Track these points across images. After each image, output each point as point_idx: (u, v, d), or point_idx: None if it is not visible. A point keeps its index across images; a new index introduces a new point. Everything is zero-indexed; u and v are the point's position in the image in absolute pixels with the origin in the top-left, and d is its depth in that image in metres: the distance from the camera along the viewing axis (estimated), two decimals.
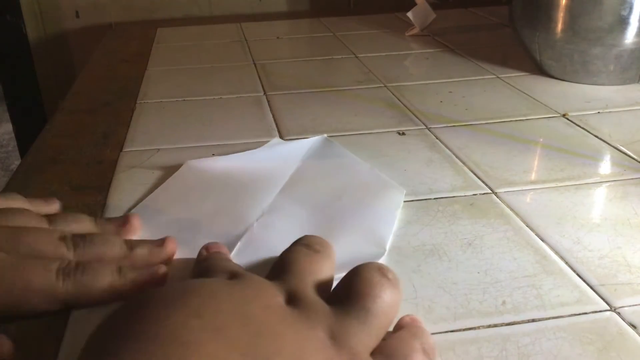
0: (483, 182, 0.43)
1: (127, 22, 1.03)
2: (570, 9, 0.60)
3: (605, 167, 0.46)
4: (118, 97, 0.63)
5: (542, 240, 0.36)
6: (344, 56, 0.77)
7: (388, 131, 0.52)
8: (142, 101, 0.61)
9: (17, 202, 0.34)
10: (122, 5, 1.04)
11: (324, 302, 0.24)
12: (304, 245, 0.28)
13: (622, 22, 0.58)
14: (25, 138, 1.04)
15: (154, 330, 0.20)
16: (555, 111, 0.56)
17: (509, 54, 0.74)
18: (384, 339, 0.24)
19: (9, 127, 1.08)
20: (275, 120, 0.55)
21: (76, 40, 1.04)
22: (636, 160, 0.46)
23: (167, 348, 0.19)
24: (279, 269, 0.27)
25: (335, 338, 0.22)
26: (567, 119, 0.55)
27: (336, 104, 0.60)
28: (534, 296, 0.31)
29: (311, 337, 0.22)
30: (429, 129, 0.53)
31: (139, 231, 0.36)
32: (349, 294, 0.24)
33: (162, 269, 0.31)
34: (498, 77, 0.67)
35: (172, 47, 0.84)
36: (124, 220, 0.35)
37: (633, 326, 0.29)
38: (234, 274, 0.27)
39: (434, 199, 0.41)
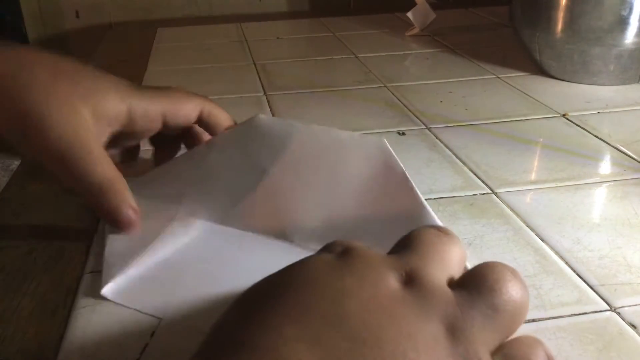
0: (483, 182, 0.43)
1: (126, 22, 1.03)
2: (570, 9, 0.60)
3: (605, 167, 0.46)
4: None
5: (542, 240, 0.36)
6: (344, 56, 0.77)
7: (388, 131, 0.52)
8: None
9: None
10: (121, 5, 1.03)
11: (448, 288, 0.21)
12: (433, 227, 0.25)
13: (622, 22, 0.58)
14: None
15: (250, 340, 0.19)
16: (555, 111, 0.56)
17: (509, 54, 0.74)
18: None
19: None
20: None
21: (76, 40, 1.04)
22: (636, 160, 0.46)
23: None
24: (402, 245, 0.24)
25: (454, 331, 0.20)
26: (567, 119, 0.55)
27: (336, 104, 0.60)
28: (534, 296, 0.31)
29: (424, 331, 0.19)
30: (429, 129, 0.53)
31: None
32: (479, 285, 0.21)
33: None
34: (498, 77, 0.67)
35: (172, 47, 0.84)
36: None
37: (633, 326, 0.29)
38: (346, 250, 0.23)
39: (434, 199, 0.41)
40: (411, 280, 0.21)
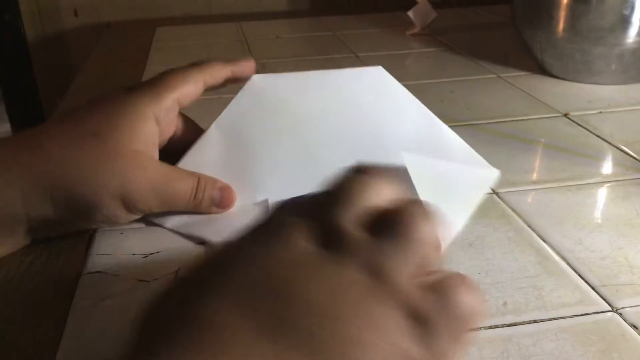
0: None
1: (125, 21, 1.03)
2: (572, 8, 0.60)
3: (607, 167, 0.46)
4: None
5: (544, 240, 0.36)
6: (344, 55, 0.76)
7: None
8: None
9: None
10: (120, 4, 1.03)
11: (368, 235, 0.21)
12: (357, 171, 0.24)
13: (624, 22, 0.58)
14: None
15: (187, 314, 0.20)
16: (557, 111, 0.56)
17: (510, 53, 0.74)
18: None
19: (7, 126, 1.08)
20: None
21: (74, 39, 1.04)
22: (638, 160, 0.46)
23: (198, 331, 0.19)
24: (322, 198, 0.23)
25: (374, 272, 0.20)
26: (569, 119, 0.54)
27: None
28: (535, 297, 0.31)
29: (348, 277, 0.20)
30: None
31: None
32: (388, 223, 0.21)
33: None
34: (499, 76, 0.67)
35: (171, 46, 0.83)
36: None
37: (635, 327, 0.29)
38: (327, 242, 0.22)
39: None
40: (329, 241, 0.21)
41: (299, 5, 1.09)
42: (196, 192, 0.37)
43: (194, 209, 0.37)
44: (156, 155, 0.37)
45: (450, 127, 0.53)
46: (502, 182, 0.43)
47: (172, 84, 0.38)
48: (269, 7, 1.08)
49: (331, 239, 0.21)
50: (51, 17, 1.02)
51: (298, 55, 0.78)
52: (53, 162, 0.34)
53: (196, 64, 0.40)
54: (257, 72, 0.71)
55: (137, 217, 0.37)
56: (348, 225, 0.21)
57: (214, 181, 0.38)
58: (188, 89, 0.39)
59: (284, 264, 0.21)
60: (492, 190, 0.42)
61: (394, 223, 0.21)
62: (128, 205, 0.35)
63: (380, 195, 0.23)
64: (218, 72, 0.40)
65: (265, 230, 0.23)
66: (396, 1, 0.94)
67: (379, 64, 0.65)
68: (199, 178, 0.37)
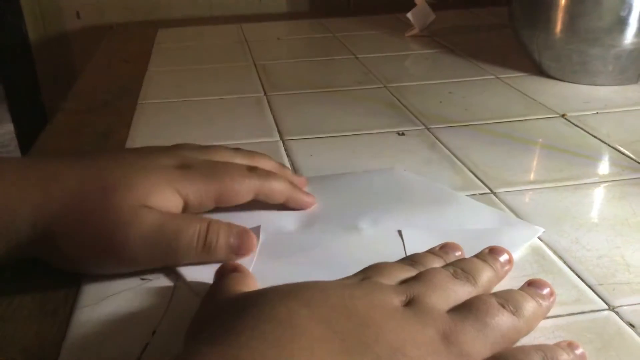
0: (482, 182, 0.43)
1: (127, 23, 1.04)
2: (569, 9, 0.60)
3: (604, 167, 0.46)
4: (119, 98, 0.63)
5: (541, 239, 0.36)
6: (344, 57, 0.77)
7: (388, 131, 0.52)
8: (143, 101, 0.61)
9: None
10: (122, 5, 1.04)
11: (445, 311, 0.25)
12: (450, 265, 0.30)
13: (621, 23, 0.58)
14: (26, 138, 1.04)
15: (269, 313, 0.23)
16: (555, 111, 0.57)
17: (508, 54, 0.75)
18: None
19: (10, 127, 1.08)
20: (275, 120, 0.56)
21: (77, 40, 1.04)
22: (635, 160, 0.46)
23: (279, 328, 0.22)
24: (414, 278, 0.28)
25: (448, 338, 0.23)
26: (566, 119, 0.55)
27: (336, 104, 0.60)
28: None
29: (417, 332, 0.23)
30: (428, 129, 0.53)
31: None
32: (470, 307, 0.26)
33: (314, 201, 0.40)
34: (497, 77, 0.67)
35: (173, 47, 0.84)
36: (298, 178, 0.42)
37: (632, 325, 0.29)
38: (365, 277, 0.28)
39: None
40: (412, 302, 0.25)
41: (298, 7, 1.09)
42: (206, 238, 0.33)
43: (208, 258, 0.34)
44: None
45: (449, 127, 0.54)
46: (500, 182, 0.43)
47: (223, 177, 0.36)
48: (269, 8, 1.08)
49: (414, 305, 0.25)
50: (54, 19, 1.02)
51: (298, 57, 0.79)
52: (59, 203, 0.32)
53: (257, 170, 0.38)
54: (258, 73, 0.71)
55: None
56: (434, 301, 0.26)
57: (229, 226, 0.35)
58: (235, 192, 0.36)
59: (373, 304, 0.24)
60: (490, 190, 0.42)
61: (474, 307, 0.25)
62: (118, 261, 0.33)
63: (461, 293, 0.27)
64: (275, 193, 0.38)
65: (356, 280, 0.27)
66: (395, 3, 0.94)
67: (379, 65, 0.65)
68: (209, 223, 0.34)
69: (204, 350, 0.21)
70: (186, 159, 0.37)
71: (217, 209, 0.37)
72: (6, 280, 0.33)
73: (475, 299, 0.26)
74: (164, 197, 0.34)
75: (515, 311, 0.26)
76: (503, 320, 0.25)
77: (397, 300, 0.25)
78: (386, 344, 0.22)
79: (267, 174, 0.38)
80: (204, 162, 0.37)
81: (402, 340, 0.23)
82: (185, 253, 0.33)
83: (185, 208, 0.35)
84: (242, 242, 0.34)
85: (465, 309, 0.26)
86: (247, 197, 0.37)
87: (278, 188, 0.38)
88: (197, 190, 0.35)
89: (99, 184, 0.33)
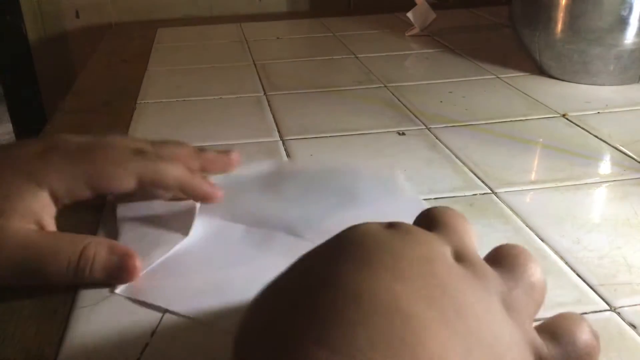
0: (483, 182, 0.43)
1: (127, 22, 1.03)
2: (570, 9, 0.60)
3: (605, 167, 0.46)
4: (118, 97, 0.63)
5: (542, 240, 0.36)
6: (344, 56, 0.77)
7: (388, 131, 0.52)
8: (143, 101, 0.61)
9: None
10: (122, 5, 1.04)
11: (496, 269, 0.22)
12: (447, 208, 0.26)
13: (622, 22, 0.58)
14: (25, 138, 1.03)
15: (370, 299, 0.18)
16: (555, 111, 0.56)
17: (508, 54, 0.75)
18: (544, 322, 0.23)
19: (9, 127, 1.08)
20: (275, 120, 0.56)
21: (76, 40, 1.04)
22: (636, 160, 0.46)
23: (394, 322, 0.17)
24: (429, 223, 0.24)
25: (508, 309, 0.21)
26: (567, 119, 0.55)
27: (336, 104, 0.60)
28: None
29: (491, 304, 0.20)
30: (429, 129, 0.53)
31: (236, 165, 0.39)
32: (514, 265, 0.22)
33: (219, 193, 0.35)
34: (498, 77, 0.67)
35: (172, 47, 0.84)
36: (225, 153, 0.38)
37: (633, 326, 0.29)
38: (390, 223, 0.23)
39: (434, 199, 0.41)
40: (461, 258, 0.22)
41: (298, 7, 1.09)
42: (78, 264, 0.30)
43: (81, 279, 0.30)
44: (47, 225, 0.31)
45: (450, 127, 0.54)
46: (501, 182, 0.43)
47: (96, 160, 0.32)
48: (269, 8, 1.08)
49: (465, 262, 0.21)
50: (53, 18, 1.02)
51: (298, 56, 0.79)
52: None
53: (146, 153, 0.33)
54: (257, 72, 0.71)
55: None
56: (476, 255, 0.22)
57: (110, 248, 0.31)
58: (111, 178, 0.32)
59: (439, 261, 0.21)
60: (491, 190, 0.42)
61: (521, 268, 0.23)
62: None
63: (472, 231, 0.25)
64: (165, 178, 0.33)
65: (414, 237, 0.22)
66: (395, 2, 0.94)
67: (379, 65, 0.65)
68: (84, 246, 0.30)
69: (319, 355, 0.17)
70: (53, 142, 0.32)
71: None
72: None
73: (513, 250, 0.24)
74: (24, 200, 0.30)
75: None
76: (540, 277, 0.23)
77: (449, 256, 0.22)
78: (473, 315, 0.19)
79: (157, 157, 0.33)
80: (73, 143, 0.32)
81: (487, 316, 0.19)
82: (56, 278, 0.30)
83: (57, 200, 0.31)
84: (121, 267, 0.31)
85: (507, 266, 0.23)
86: (128, 183, 0.32)
87: (170, 173, 0.33)
88: (61, 176, 0.31)
89: None
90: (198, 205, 0.37)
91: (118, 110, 0.59)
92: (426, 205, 0.37)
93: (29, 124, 1.03)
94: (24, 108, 1.03)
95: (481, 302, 0.20)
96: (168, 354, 0.27)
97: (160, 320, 0.29)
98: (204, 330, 0.29)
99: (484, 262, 0.22)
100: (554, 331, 0.22)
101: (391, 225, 0.23)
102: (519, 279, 0.22)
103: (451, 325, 0.18)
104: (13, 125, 1.06)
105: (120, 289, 0.31)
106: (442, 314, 0.18)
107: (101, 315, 0.30)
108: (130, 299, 0.31)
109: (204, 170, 0.37)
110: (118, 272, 0.31)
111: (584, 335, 0.22)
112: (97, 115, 0.58)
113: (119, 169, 0.32)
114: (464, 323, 0.19)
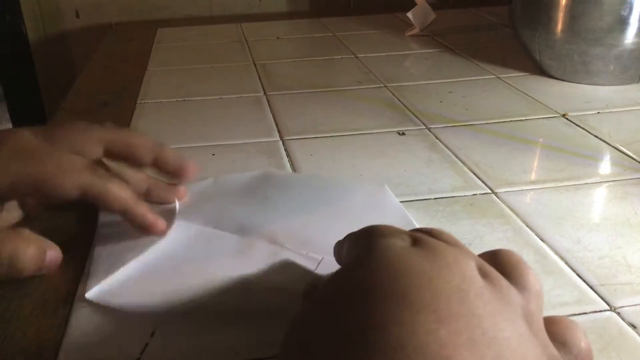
0: (483, 182, 0.43)
1: (127, 23, 1.03)
2: (570, 9, 0.60)
3: (605, 167, 0.46)
4: (118, 97, 0.63)
5: (542, 240, 0.36)
6: (344, 56, 0.77)
7: (388, 131, 0.52)
8: (142, 101, 0.61)
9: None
10: (122, 5, 1.04)
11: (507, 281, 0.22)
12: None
13: (622, 23, 0.58)
14: None
15: (409, 344, 0.18)
16: (555, 111, 0.56)
17: (508, 54, 0.75)
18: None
19: (9, 127, 1.08)
20: (275, 120, 0.56)
21: (76, 40, 1.04)
22: (636, 160, 0.46)
23: None
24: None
25: (530, 324, 0.21)
26: (567, 119, 0.55)
27: (336, 104, 0.60)
28: None
29: (518, 325, 0.20)
30: (429, 129, 0.53)
31: (181, 197, 0.38)
32: (517, 274, 0.23)
33: (161, 225, 0.34)
34: (498, 77, 0.67)
35: (172, 47, 0.84)
36: (180, 167, 0.37)
37: (633, 326, 0.29)
38: (414, 239, 0.23)
39: (434, 199, 0.41)
40: (484, 273, 0.22)
41: (298, 7, 1.09)
42: None
43: (14, 276, 0.31)
44: None
45: (450, 127, 0.54)
46: (501, 182, 0.43)
47: (44, 164, 0.32)
48: (269, 8, 1.08)
49: (490, 281, 0.22)
50: (53, 18, 1.02)
51: (298, 56, 0.79)
52: None
53: (96, 170, 0.33)
54: (257, 72, 0.71)
55: None
56: (495, 272, 0.22)
57: (36, 241, 0.31)
58: (54, 189, 0.32)
59: (477, 299, 0.20)
60: (491, 190, 0.42)
61: (529, 281, 0.22)
62: None
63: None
64: (108, 199, 0.33)
65: (442, 258, 0.22)
66: (396, 2, 0.94)
67: (379, 65, 0.65)
68: (3, 238, 0.31)
69: None
70: (8, 137, 0.32)
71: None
72: (5, 280, 0.33)
73: (512, 261, 0.24)
74: None
75: None
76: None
77: (476, 272, 0.22)
78: (507, 347, 0.19)
79: (108, 176, 0.33)
80: (29, 141, 0.33)
81: (514, 338, 0.20)
82: None
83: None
84: (49, 256, 0.31)
85: (517, 280, 0.23)
86: (71, 194, 0.32)
87: (115, 196, 0.33)
88: (5, 172, 0.31)
89: None
90: (177, 207, 0.37)
91: (118, 110, 0.59)
92: (410, 217, 0.37)
93: (29, 124, 1.03)
94: (24, 108, 1.03)
95: (511, 325, 0.20)
96: (168, 354, 0.27)
97: (160, 320, 0.29)
98: (204, 331, 0.29)
99: (500, 276, 0.22)
100: (562, 340, 0.22)
101: (416, 242, 0.23)
102: (529, 290, 0.22)
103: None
104: (13, 125, 1.06)
105: (89, 293, 0.31)
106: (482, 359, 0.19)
107: (101, 316, 0.30)
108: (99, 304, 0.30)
109: (148, 197, 0.37)
110: (45, 263, 0.31)
111: (585, 341, 0.22)
112: (97, 115, 0.58)
113: (65, 179, 0.32)
114: (500, 356, 0.19)
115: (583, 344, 0.22)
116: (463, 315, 0.19)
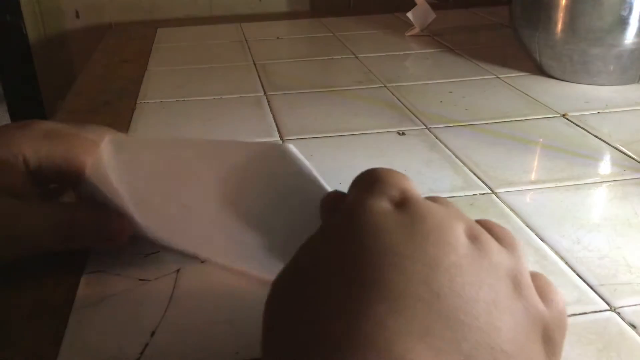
0: (483, 182, 0.43)
1: (127, 22, 1.03)
2: (570, 9, 0.60)
3: (605, 167, 0.46)
4: (118, 98, 0.63)
5: (542, 240, 0.36)
6: (344, 56, 0.77)
7: (388, 131, 0.52)
8: (142, 101, 0.61)
9: None
10: (122, 5, 1.04)
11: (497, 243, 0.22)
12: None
13: (622, 23, 0.58)
14: None
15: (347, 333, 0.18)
16: (555, 111, 0.56)
17: (508, 54, 0.75)
18: None
19: None
20: (275, 120, 0.56)
21: (76, 40, 1.04)
22: (636, 160, 0.46)
23: None
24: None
25: (516, 286, 0.20)
26: (567, 119, 0.55)
27: (336, 104, 0.60)
28: None
29: (503, 293, 0.20)
30: (429, 129, 0.53)
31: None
32: (509, 242, 0.22)
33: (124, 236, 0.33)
34: (498, 77, 0.67)
35: (172, 47, 0.84)
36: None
37: (633, 326, 0.29)
38: (402, 200, 0.23)
39: None
40: (475, 238, 0.21)
41: (299, 7, 1.09)
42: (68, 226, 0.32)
43: (69, 245, 0.33)
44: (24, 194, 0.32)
45: (450, 127, 0.54)
46: (501, 182, 0.43)
47: (69, 151, 0.33)
48: (269, 8, 1.08)
49: (478, 243, 0.21)
50: (53, 18, 1.02)
51: (298, 56, 0.79)
52: None
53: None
54: (257, 72, 0.71)
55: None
56: (483, 231, 0.22)
57: (98, 215, 0.33)
58: (77, 168, 0.33)
59: (456, 276, 0.20)
60: (491, 190, 0.42)
61: (512, 242, 0.22)
62: None
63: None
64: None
65: (415, 224, 0.21)
66: (396, 2, 0.94)
67: (379, 65, 0.64)
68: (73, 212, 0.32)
69: None
70: (34, 121, 0.34)
71: None
72: (5, 280, 0.33)
73: (493, 226, 0.24)
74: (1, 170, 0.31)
75: None
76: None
77: (464, 236, 0.21)
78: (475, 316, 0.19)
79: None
80: (53, 125, 0.34)
81: (494, 317, 0.19)
82: (45, 244, 0.32)
83: (29, 167, 0.32)
84: (111, 227, 0.33)
85: (504, 241, 0.23)
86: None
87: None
88: (35, 144, 0.32)
89: None
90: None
91: (118, 111, 0.59)
92: (322, 181, 0.33)
93: None
94: (24, 108, 1.03)
95: (488, 294, 0.20)
96: (168, 354, 0.27)
97: (160, 320, 0.29)
98: (204, 331, 0.29)
99: (491, 238, 0.22)
100: (543, 296, 0.21)
101: (403, 203, 0.22)
102: (516, 254, 0.22)
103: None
104: None
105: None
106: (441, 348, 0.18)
107: (101, 316, 0.30)
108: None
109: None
110: (107, 234, 0.32)
111: (560, 295, 0.22)
112: (97, 115, 0.58)
113: (88, 160, 0.33)
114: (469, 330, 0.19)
115: (561, 299, 0.22)
116: (426, 300, 0.19)
